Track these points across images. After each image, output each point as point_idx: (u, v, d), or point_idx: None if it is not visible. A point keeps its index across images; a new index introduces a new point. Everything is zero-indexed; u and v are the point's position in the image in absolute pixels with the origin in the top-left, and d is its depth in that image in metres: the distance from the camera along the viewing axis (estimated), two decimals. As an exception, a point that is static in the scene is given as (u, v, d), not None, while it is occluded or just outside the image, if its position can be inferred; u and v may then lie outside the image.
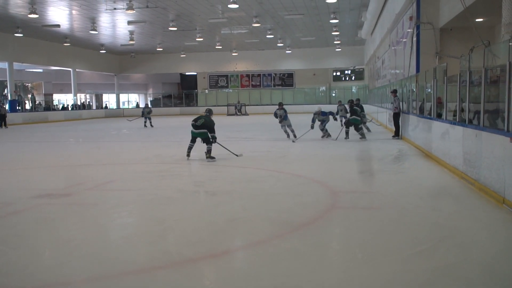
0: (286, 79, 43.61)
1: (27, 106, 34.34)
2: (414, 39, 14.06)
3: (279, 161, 10.47)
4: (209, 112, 10.64)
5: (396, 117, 14.69)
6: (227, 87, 44.56)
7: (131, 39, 31.29)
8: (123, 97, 47.97)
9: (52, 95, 42.15)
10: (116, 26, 27.36)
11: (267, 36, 30.61)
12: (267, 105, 40.64)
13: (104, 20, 25.29)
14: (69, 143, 16.67)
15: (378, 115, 23.50)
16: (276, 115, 15.03)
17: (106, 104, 46.25)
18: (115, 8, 21.91)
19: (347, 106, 17.19)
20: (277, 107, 15.11)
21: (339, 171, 8.99)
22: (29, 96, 37.91)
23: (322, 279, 3.70)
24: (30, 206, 6.33)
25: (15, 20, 24.12)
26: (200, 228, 5.18)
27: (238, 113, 38.41)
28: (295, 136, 14.65)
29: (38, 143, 16.47)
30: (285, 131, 15.10)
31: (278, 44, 35.34)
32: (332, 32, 29.94)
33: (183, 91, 46.27)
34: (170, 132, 20.18)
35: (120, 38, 31.69)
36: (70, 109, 37.28)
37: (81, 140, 17.63)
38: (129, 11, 21.07)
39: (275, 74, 43.49)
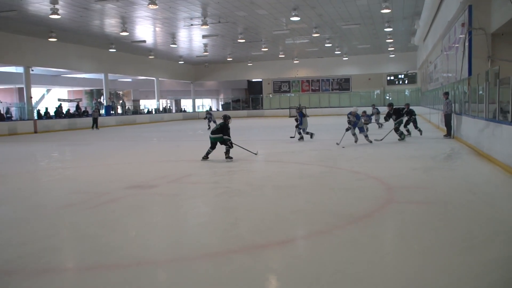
0: (343, 84, 42.81)
1: (119, 111, 35.96)
2: (466, 44, 13.34)
3: (338, 158, 10.30)
4: (224, 118, 10.31)
5: (447, 117, 14.03)
6: (289, 91, 44.43)
7: (205, 51, 31.98)
8: (198, 101, 49.12)
9: (139, 100, 43.89)
10: (192, 40, 28.03)
11: (326, 45, 30.19)
12: (326, 107, 40.39)
13: (182, 35, 25.98)
14: (153, 142, 17.29)
15: (431, 116, 22.56)
16: (296, 119, 14.48)
17: (183, 108, 47.56)
18: (191, 24, 22.46)
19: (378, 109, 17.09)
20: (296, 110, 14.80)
21: (395, 168, 8.71)
22: (121, 102, 39.69)
23: (379, 268, 3.61)
24: (123, 196, 6.62)
25: (109, 37, 25.33)
26: (268, 218, 5.20)
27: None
28: (300, 136, 14.36)
29: (128, 142, 17.21)
30: (299, 133, 14.44)
31: (336, 52, 34.76)
32: (386, 40, 29.08)
33: (250, 96, 46.65)
34: (238, 133, 20.41)
35: (195, 50, 32.44)
36: (153, 112, 38.64)
37: (163, 140, 18.23)
38: (204, 26, 21.58)
39: (333, 79, 42.80)
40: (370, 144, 12.79)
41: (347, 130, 12.97)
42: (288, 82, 44.15)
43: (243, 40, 26.75)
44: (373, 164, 9.23)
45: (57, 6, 17.11)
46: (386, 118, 14.25)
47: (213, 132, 10.14)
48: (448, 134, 14.06)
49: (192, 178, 8.01)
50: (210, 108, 26.16)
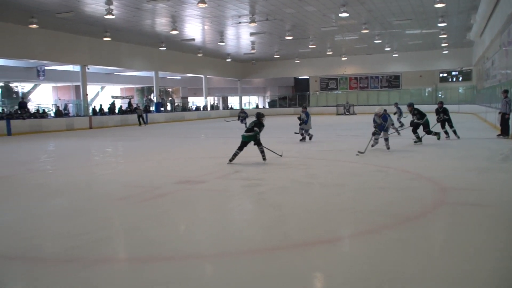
0: (392, 81, 41.72)
1: (168, 107, 36.88)
2: (527, 39, 12.65)
3: (386, 157, 10.06)
4: (258, 115, 9.50)
5: (504, 116, 13.34)
6: (336, 89, 43.84)
7: (253, 48, 32.14)
8: (245, 99, 49.47)
9: (187, 98, 44.78)
10: (240, 37, 28.23)
11: (375, 41, 29.53)
12: (374, 105, 39.33)
13: (230, 33, 26.24)
14: (201, 139, 17.60)
15: (487, 114, 21.55)
16: (300, 118, 13.58)
17: (230, 105, 48.07)
18: (239, 22, 22.64)
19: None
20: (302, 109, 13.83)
21: (447, 168, 8.40)
22: (170, 99, 40.67)
23: (429, 271, 3.50)
24: (173, 190, 6.79)
25: (160, 36, 26.00)
26: (315, 216, 5.17)
27: (346, 113, 37.61)
28: (310, 137, 13.78)
29: (177, 138, 17.61)
30: (301, 134, 13.73)
31: (386, 48, 33.94)
32: (440, 35, 28.04)
33: (296, 93, 46.47)
34: (284, 130, 20.39)
35: (243, 47, 32.67)
36: (201, 109, 39.30)
37: (211, 136, 18.51)
38: (252, 24, 21.69)
39: (382, 76, 41.81)
40: (422, 143, 12.37)
41: (373, 134, 11.17)
42: (335, 79, 43.58)
43: (291, 37, 26.66)
44: (424, 164, 8.95)
45: (111, 7, 17.75)
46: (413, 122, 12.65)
47: (247, 131, 9.42)
48: (504, 133, 13.38)
49: (239, 175, 8.09)
50: (242, 110, 24.88)
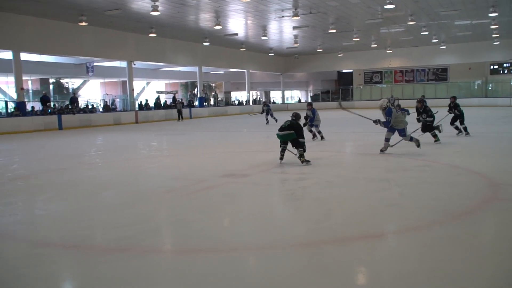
0: (439, 74, 40.31)
1: (211, 102, 37.31)
2: None
3: (435, 152, 9.75)
4: (296, 116, 8.65)
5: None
6: (381, 82, 42.88)
7: (295, 42, 31.93)
8: (287, 93, 49.29)
9: (230, 92, 45.15)
10: (283, 31, 28.12)
11: (422, 33, 28.59)
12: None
13: (273, 27, 26.19)
14: (244, 133, 17.71)
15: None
16: (307, 117, 12.50)
17: (273, 100, 48.05)
18: (282, 16, 22.55)
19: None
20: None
21: (499, 163, 8.05)
22: (213, 93, 41.14)
23: (478, 268, 3.39)
24: (218, 183, 6.88)
25: (203, 31, 26.31)
26: (360, 211, 5.10)
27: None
28: (321, 137, 12.45)
29: (220, 132, 17.81)
30: (311, 131, 12.62)
31: (433, 40, 32.80)
32: (491, 26, 26.80)
33: (339, 87, 45.82)
34: (328, 124, 20.18)
35: (285, 41, 32.52)
36: (244, 104, 39.49)
37: (253, 130, 18.60)
38: (295, 18, 21.54)
39: (429, 69, 40.48)
40: (470, 138, 11.91)
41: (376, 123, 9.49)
42: (380, 72, 42.63)
43: (334, 31, 26.29)
44: (474, 159, 8.63)
45: (157, 3, 18.14)
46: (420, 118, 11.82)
47: (281, 129, 8.40)
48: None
49: (282, 169, 8.08)
50: (265, 103, 23.00)
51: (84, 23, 20.44)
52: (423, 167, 7.93)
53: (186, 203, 5.77)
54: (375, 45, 34.76)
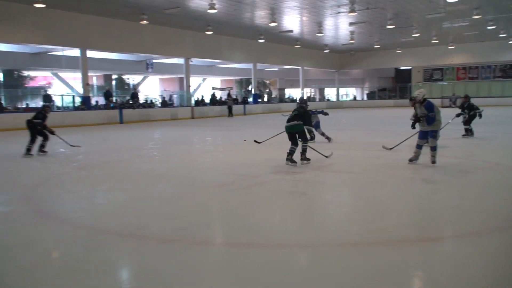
0: (508, 71, 37.96)
1: (265, 99, 37.42)
2: None
3: (497, 153, 9.23)
4: (302, 101, 8.04)
5: None
6: (441, 80, 41.12)
7: (351, 39, 31.28)
8: (342, 90, 48.48)
9: (284, 89, 45.06)
10: (339, 27, 27.67)
11: (488, 28, 27.07)
12: (485, 97, 35.75)
13: (328, 23, 25.84)
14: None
15: None
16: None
17: (327, 97, 47.46)
18: (339, 12, 22.18)
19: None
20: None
21: None
22: (267, 90, 41.24)
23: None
24: (269, 180, 6.89)
25: (259, 29, 26.42)
26: (416, 213, 4.93)
27: (452, 105, 35.13)
28: (327, 138, 11.61)
29: (273, 129, 17.74)
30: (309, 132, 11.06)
31: (500, 35, 30.92)
32: None
33: (397, 85, 44.42)
34: (385, 123, 19.70)
35: (341, 38, 31.98)
36: (297, 101, 39.20)
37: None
38: (351, 14, 21.11)
39: (495, 65, 38.26)
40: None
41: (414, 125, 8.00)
42: (441, 69, 40.88)
43: (392, 26, 25.45)
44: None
45: (214, 1, 18.41)
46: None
47: (289, 120, 7.88)
48: None
49: (334, 167, 7.96)
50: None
51: (144, 22, 21.13)
52: (486, 169, 7.51)
53: (238, 197, 5.82)
54: (436, 41, 33.34)
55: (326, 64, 41.68)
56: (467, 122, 12.11)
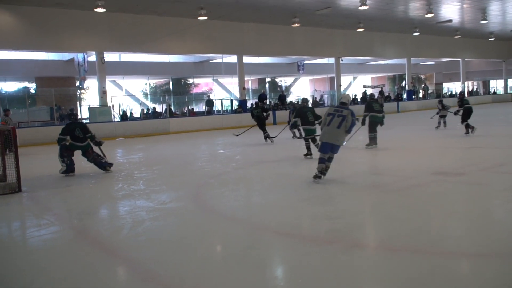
0: None
1: (420, 95, 35.17)
2: None
3: None
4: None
5: None
6: None
7: (523, 23, 27.51)
8: (511, 82, 42.86)
9: (442, 84, 41.76)
10: (506, 12, 24.53)
11: None
12: None
13: (493, 8, 23.09)
14: (458, 128, 16.09)
15: None
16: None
17: (493, 90, 42.51)
18: (507, -5, 19.69)
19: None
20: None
21: None
22: (422, 85, 38.70)
23: None
24: (429, 181, 6.47)
25: (413, 21, 24.93)
26: None
27: None
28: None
29: (427, 127, 16.56)
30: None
31: None
32: None
33: None
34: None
35: (509, 23, 28.30)
36: (457, 96, 35.96)
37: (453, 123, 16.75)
38: (523, -5, 18.54)
39: None
40: None
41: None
42: None
43: None
44: None
45: (365, -2, 17.98)
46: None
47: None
48: None
49: (504, 168, 7.09)
50: (440, 101, 16.44)
51: (296, 24, 21.66)
52: None
53: (393, 199, 5.58)
54: None
55: (491, 54, 37.31)
56: None
